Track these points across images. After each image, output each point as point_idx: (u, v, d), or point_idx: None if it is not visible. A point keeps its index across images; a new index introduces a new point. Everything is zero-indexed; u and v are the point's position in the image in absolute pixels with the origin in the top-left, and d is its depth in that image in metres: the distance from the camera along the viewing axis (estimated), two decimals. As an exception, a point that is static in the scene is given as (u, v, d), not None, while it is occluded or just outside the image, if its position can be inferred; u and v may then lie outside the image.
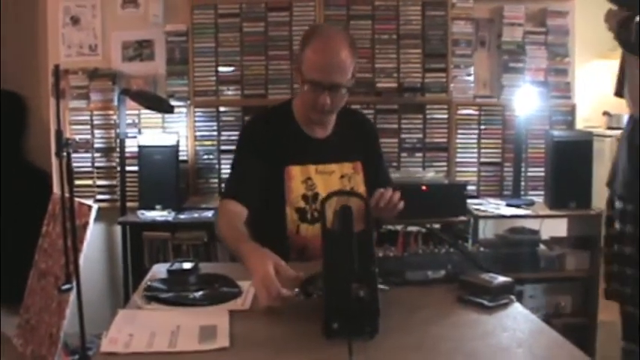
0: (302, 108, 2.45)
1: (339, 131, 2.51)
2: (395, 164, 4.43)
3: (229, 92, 4.45)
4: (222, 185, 4.31)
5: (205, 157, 4.46)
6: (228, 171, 2.52)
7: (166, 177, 4.20)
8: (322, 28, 2.62)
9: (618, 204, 2.94)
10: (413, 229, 3.85)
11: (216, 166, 4.46)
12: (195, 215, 4.14)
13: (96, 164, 4.46)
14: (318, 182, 2.42)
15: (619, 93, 3.01)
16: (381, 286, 1.65)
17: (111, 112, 4.41)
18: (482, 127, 4.48)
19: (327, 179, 2.44)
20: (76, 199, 3.65)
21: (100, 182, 4.46)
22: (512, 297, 1.85)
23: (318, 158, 2.44)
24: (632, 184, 2.86)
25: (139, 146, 4.25)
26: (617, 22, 2.75)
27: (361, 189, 2.46)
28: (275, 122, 2.49)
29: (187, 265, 2.12)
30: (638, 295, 2.87)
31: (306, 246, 2.39)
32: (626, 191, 2.90)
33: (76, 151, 4.24)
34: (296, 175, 2.41)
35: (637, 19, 2.68)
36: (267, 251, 1.87)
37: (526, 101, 4.32)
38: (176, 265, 2.09)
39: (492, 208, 4.14)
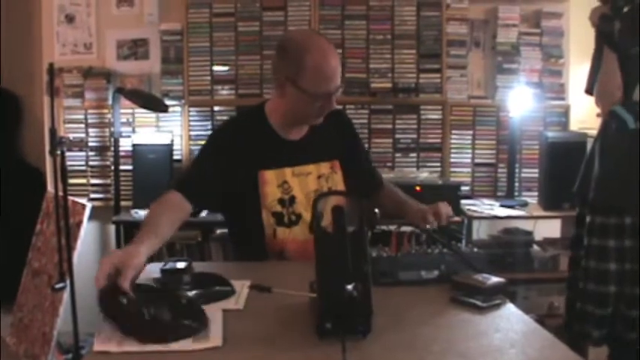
0: (294, 115, 2.37)
1: (314, 131, 2.45)
2: (389, 164, 4.44)
3: (224, 92, 4.45)
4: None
5: (200, 156, 4.44)
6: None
7: (160, 176, 4.20)
8: (312, 36, 2.44)
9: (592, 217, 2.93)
10: (406, 229, 3.85)
11: (211, 166, 4.44)
12: (189, 215, 4.14)
13: (90, 163, 4.46)
14: (294, 185, 2.39)
15: (590, 90, 3.02)
16: None
17: (105, 110, 4.40)
18: (477, 127, 4.48)
19: (304, 181, 2.41)
20: (70, 198, 3.64)
21: (94, 181, 4.46)
22: (505, 298, 1.85)
23: (293, 160, 2.40)
24: (606, 188, 2.86)
25: (133, 145, 4.25)
26: (599, 17, 2.78)
27: (340, 188, 2.45)
28: (247, 126, 2.43)
29: (181, 265, 2.11)
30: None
31: (283, 249, 2.37)
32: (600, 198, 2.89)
33: (70, 150, 4.23)
34: (270, 179, 2.36)
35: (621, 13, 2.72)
36: (131, 250, 1.76)
37: (520, 102, 4.33)
38: (169, 265, 2.09)
39: (486, 209, 4.15)
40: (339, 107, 2.64)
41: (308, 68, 2.22)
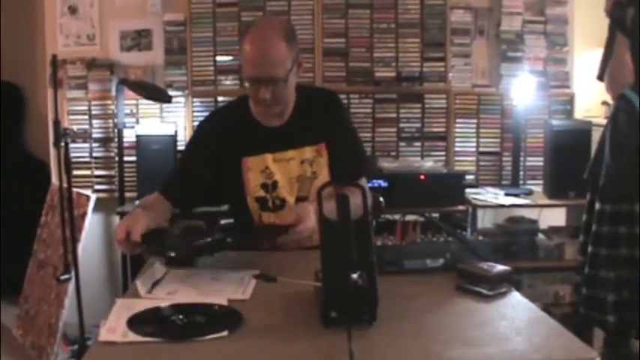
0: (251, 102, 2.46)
1: (297, 115, 2.48)
2: (393, 153, 4.43)
3: (227, 82, 4.43)
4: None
5: (203, 147, 4.44)
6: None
7: (164, 167, 4.15)
8: (257, 22, 2.70)
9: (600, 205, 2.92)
10: (411, 217, 3.85)
11: (215, 156, 4.44)
12: (194, 205, 4.14)
13: (94, 154, 4.45)
14: (275, 171, 2.43)
15: (601, 77, 3.00)
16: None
17: (109, 102, 4.39)
18: (481, 116, 4.47)
19: (285, 166, 2.44)
20: (75, 190, 3.64)
21: (98, 172, 4.45)
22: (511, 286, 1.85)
23: (274, 147, 2.44)
24: (615, 175, 2.85)
25: (137, 136, 4.24)
26: (613, 3, 2.77)
27: (324, 171, 2.46)
28: (230, 116, 2.53)
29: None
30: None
31: None
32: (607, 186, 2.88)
33: (74, 141, 4.21)
34: (252, 165, 2.43)
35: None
36: (135, 216, 2.12)
37: (525, 90, 4.31)
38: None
39: (491, 198, 4.13)
40: (332, 92, 2.71)
41: (242, 50, 2.34)
